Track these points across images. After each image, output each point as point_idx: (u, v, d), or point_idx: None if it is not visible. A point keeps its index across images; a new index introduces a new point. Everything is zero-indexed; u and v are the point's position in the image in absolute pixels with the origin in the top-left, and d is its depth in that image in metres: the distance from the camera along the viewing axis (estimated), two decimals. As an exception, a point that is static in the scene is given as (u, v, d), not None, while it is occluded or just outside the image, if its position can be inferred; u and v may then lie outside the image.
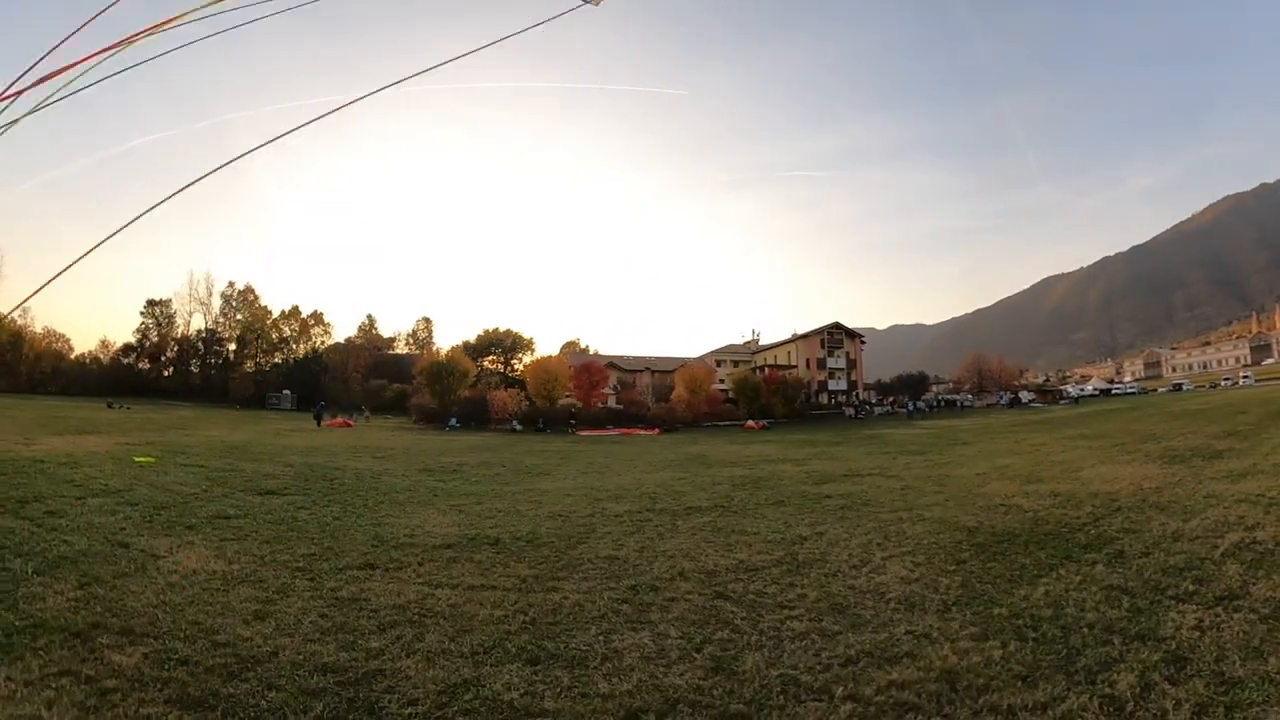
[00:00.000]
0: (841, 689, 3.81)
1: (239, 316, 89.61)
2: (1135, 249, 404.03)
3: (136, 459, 14.25)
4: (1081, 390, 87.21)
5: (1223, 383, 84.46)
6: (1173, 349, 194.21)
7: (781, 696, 3.76)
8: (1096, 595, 5.25)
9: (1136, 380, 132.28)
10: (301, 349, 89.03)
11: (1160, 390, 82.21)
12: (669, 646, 4.53)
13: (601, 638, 4.75)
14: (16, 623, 4.57)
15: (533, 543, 8.00)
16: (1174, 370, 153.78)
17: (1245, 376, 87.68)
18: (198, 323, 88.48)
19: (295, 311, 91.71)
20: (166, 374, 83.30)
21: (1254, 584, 5.20)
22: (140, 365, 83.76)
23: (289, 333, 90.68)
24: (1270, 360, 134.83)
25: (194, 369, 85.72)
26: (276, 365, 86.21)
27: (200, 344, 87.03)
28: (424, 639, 4.61)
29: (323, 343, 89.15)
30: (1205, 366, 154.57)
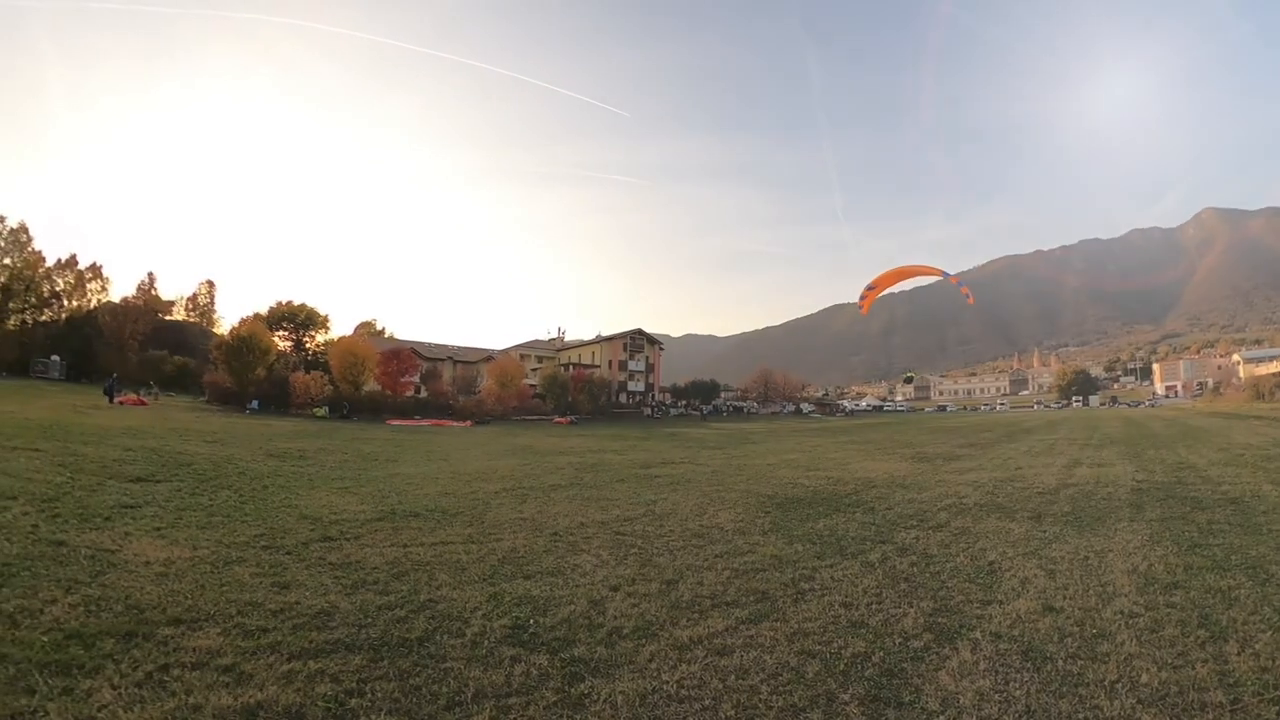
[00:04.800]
0: (737, 562, 6.35)
1: (7, 261, 65.30)
2: (917, 288, 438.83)
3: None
4: (856, 405, 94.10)
5: (982, 408, 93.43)
6: (943, 376, 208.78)
7: (743, 578, 5.82)
8: (856, 526, 8.16)
9: (907, 400, 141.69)
10: (72, 307, 67.24)
11: (926, 410, 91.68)
12: (606, 559, 6.46)
13: (559, 561, 6.33)
14: (81, 626, 4.04)
15: (448, 513, 8.73)
16: (941, 394, 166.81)
17: (1001, 404, 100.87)
18: (-46, 264, 62.00)
19: (73, 261, 68.55)
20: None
21: (953, 520, 8.43)
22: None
23: (63, 286, 67.32)
24: (1025, 392, 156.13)
25: (-55, 323, 60.81)
26: (43, 324, 66.95)
27: (-44, 291, 61.33)
28: (437, 577, 5.52)
29: (100, 301, 68.55)
30: (970, 393, 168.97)
